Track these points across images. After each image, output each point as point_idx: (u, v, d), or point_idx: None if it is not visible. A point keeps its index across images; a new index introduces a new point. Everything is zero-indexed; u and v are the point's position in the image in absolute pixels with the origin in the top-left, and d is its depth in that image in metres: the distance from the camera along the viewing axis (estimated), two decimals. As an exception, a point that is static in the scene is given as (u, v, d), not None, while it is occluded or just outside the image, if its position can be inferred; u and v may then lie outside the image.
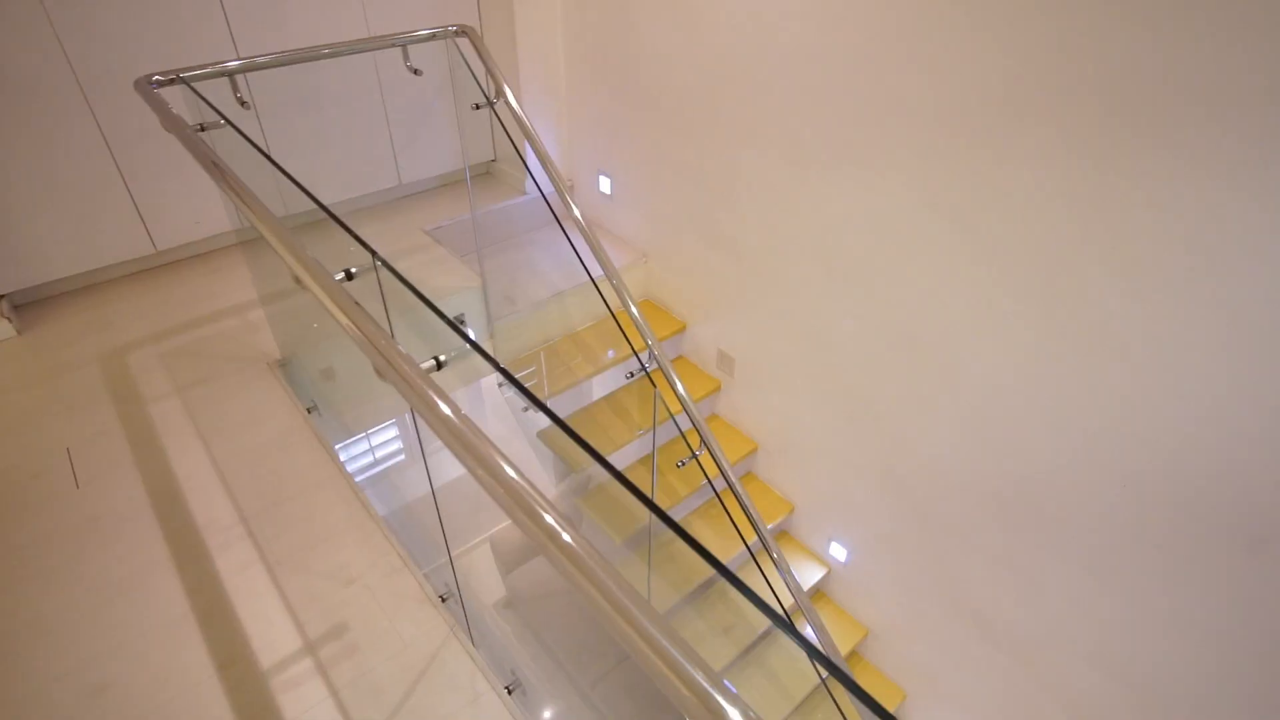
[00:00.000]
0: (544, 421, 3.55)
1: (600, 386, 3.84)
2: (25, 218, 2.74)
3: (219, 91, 2.19)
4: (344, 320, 1.11)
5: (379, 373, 1.08)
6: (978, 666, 2.92)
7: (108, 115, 2.76)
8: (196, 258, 3.32)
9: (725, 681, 0.67)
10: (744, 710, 0.65)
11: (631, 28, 3.11)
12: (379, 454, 4.11)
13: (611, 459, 3.36)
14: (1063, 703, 2.65)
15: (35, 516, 2.11)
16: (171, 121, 1.76)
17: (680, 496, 3.45)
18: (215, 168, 1.55)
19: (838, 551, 3.41)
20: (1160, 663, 2.27)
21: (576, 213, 2.63)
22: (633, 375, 3.48)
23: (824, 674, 3.26)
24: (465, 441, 0.91)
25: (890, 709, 3.10)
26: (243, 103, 2.35)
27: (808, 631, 2.89)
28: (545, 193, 3.21)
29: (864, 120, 2.35)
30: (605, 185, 3.78)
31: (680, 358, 3.84)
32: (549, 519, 0.81)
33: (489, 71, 2.55)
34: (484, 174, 4.17)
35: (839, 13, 2.28)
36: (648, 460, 3.61)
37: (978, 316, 2.29)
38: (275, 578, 2.00)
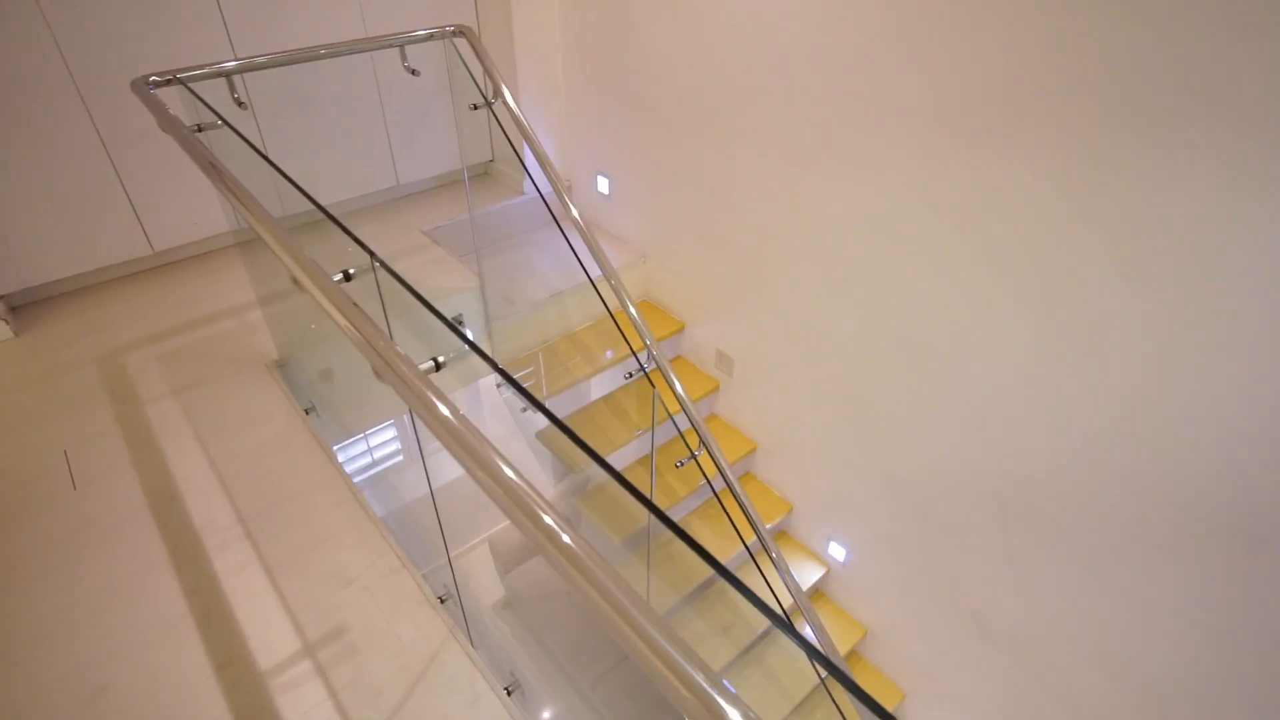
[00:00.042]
0: (542, 422, 3.55)
1: (599, 387, 3.84)
2: (22, 219, 2.74)
3: (216, 92, 2.19)
4: (342, 321, 1.11)
5: (377, 374, 1.08)
6: (977, 666, 2.92)
7: (104, 116, 2.76)
8: (194, 259, 3.32)
9: (724, 682, 0.67)
10: (743, 710, 0.65)
11: (630, 28, 3.11)
12: (377, 455, 4.10)
13: (610, 459, 3.36)
14: (1062, 703, 2.65)
15: (33, 518, 2.10)
16: (168, 122, 1.76)
17: (679, 497, 3.45)
18: (212, 168, 1.55)
19: (836, 551, 3.41)
20: (1160, 663, 2.27)
21: (575, 213, 2.63)
22: (631, 375, 3.48)
23: (823, 674, 3.26)
24: (464, 443, 0.90)
25: (889, 709, 3.10)
26: (240, 103, 2.35)
27: (807, 631, 2.89)
28: (543, 193, 3.21)
29: (864, 120, 2.35)
30: (603, 185, 3.78)
31: (679, 358, 3.84)
32: (548, 520, 0.81)
33: (487, 72, 2.54)
34: (482, 174, 4.17)
35: (839, 13, 2.28)
36: (646, 460, 3.61)
37: (977, 316, 2.29)
38: (274, 579, 1.99)
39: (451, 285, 3.22)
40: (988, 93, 2.00)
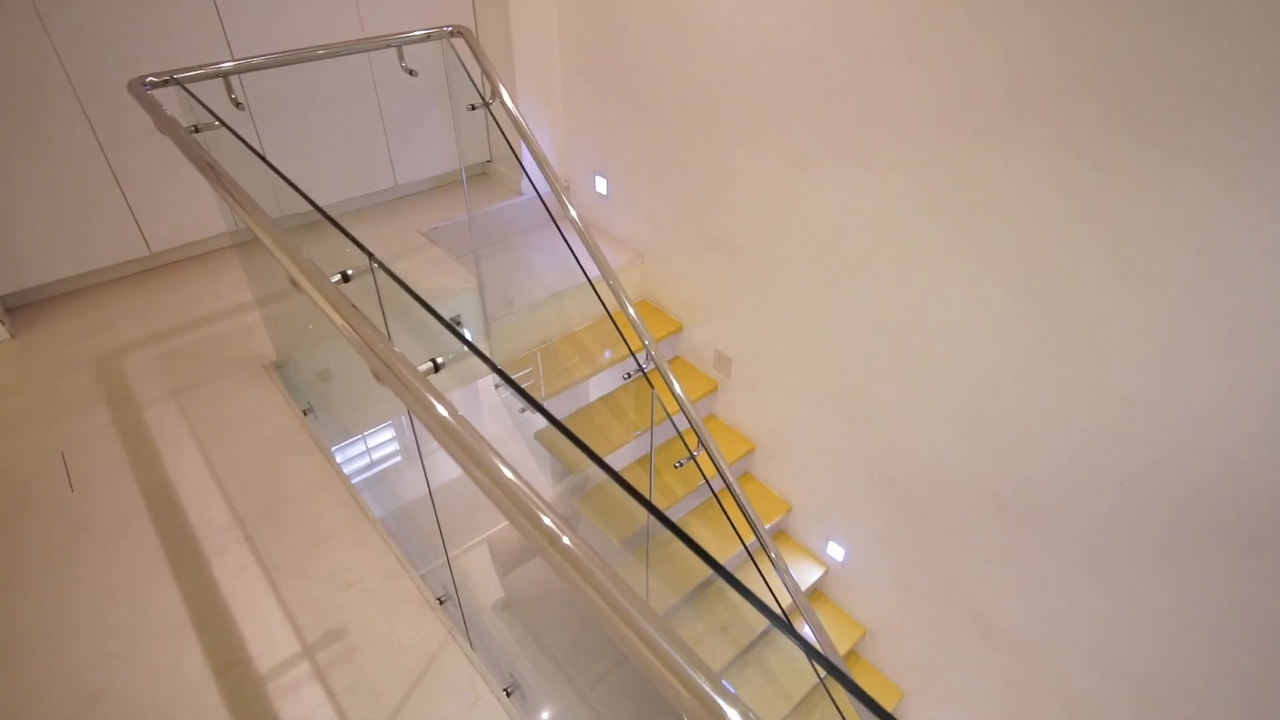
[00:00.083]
0: (541, 422, 3.55)
1: (597, 387, 3.84)
2: (19, 220, 2.73)
3: (213, 93, 2.19)
4: (341, 323, 1.11)
5: (376, 376, 1.07)
6: (977, 666, 2.92)
7: (101, 117, 2.75)
8: (191, 260, 3.31)
9: (724, 682, 0.67)
10: (743, 711, 0.65)
11: (629, 28, 3.10)
12: (376, 456, 4.10)
13: (609, 460, 3.35)
14: (1063, 703, 2.65)
15: (30, 520, 2.09)
16: (165, 123, 1.75)
17: (678, 497, 3.44)
18: (210, 169, 1.54)
19: (835, 551, 3.41)
20: (1160, 663, 2.27)
21: (573, 213, 2.63)
22: (630, 376, 3.48)
23: (822, 673, 3.26)
24: (463, 444, 0.90)
25: (889, 708, 3.10)
26: (237, 104, 2.35)
27: (805, 631, 2.89)
28: (541, 193, 3.21)
29: (864, 120, 2.35)
30: (601, 186, 3.77)
31: (677, 358, 3.84)
32: (548, 521, 0.81)
33: (484, 72, 2.54)
34: (480, 175, 4.17)
35: (838, 13, 2.28)
36: (645, 461, 3.61)
37: (977, 316, 2.29)
38: (273, 581, 1.99)
39: (450, 286, 3.21)
40: (988, 93, 2.00)
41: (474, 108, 2.71)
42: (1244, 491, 1.88)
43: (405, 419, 3.65)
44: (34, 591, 1.92)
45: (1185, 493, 1.99)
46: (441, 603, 2.00)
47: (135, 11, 2.69)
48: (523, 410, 3.66)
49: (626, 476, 1.14)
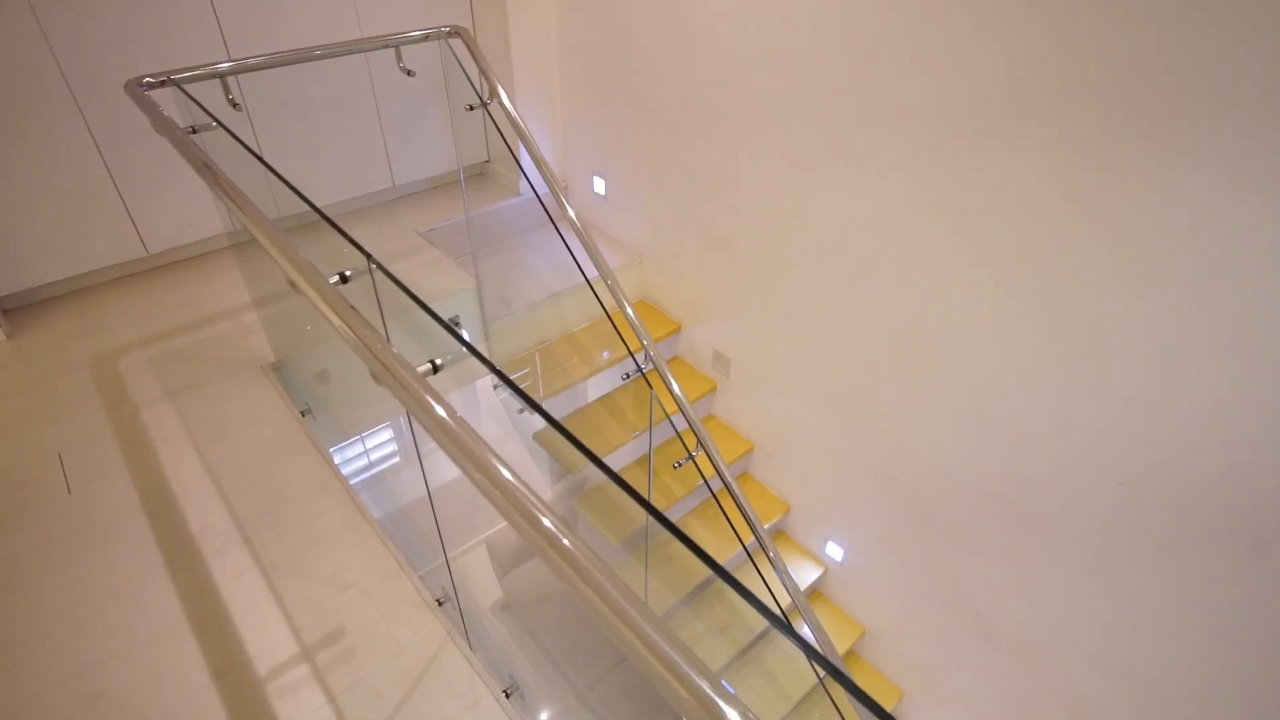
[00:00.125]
0: (540, 423, 3.54)
1: (596, 388, 3.83)
2: (15, 221, 2.72)
3: (211, 94, 2.18)
4: (340, 324, 1.11)
5: (375, 377, 1.07)
6: (979, 667, 2.92)
7: (98, 118, 2.74)
8: (189, 260, 3.31)
9: (723, 682, 0.67)
10: (742, 711, 0.65)
11: (628, 28, 3.10)
12: (374, 457, 4.09)
13: (608, 460, 3.35)
14: (1065, 704, 2.65)
15: (27, 523, 2.09)
16: (162, 124, 1.75)
17: (677, 497, 3.44)
18: (207, 170, 1.54)
19: (834, 551, 3.41)
20: (1163, 664, 2.27)
21: (571, 214, 2.63)
22: (628, 377, 3.48)
23: (821, 674, 3.26)
24: (463, 446, 0.90)
25: (888, 708, 3.10)
26: (235, 105, 2.34)
27: (805, 631, 2.88)
28: (540, 194, 3.21)
29: (866, 121, 2.35)
30: (600, 186, 3.77)
31: (675, 359, 3.84)
32: (547, 522, 0.80)
33: (482, 72, 2.54)
34: (478, 175, 4.16)
35: (841, 14, 2.27)
36: (644, 461, 3.61)
37: (980, 317, 2.29)
38: (271, 583, 1.98)
39: (448, 286, 3.21)
40: (990, 94, 2.00)
41: (472, 108, 2.71)
42: (1247, 493, 1.87)
43: (404, 420, 3.64)
44: (34, 591, 1.92)
45: (1188, 494, 1.99)
46: (440, 604, 1.99)
47: (132, 12, 2.69)
48: (521, 411, 3.66)
49: (625, 477, 1.13)
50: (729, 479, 2.70)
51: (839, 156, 2.48)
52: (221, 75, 2.24)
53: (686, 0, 2.77)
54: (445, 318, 1.36)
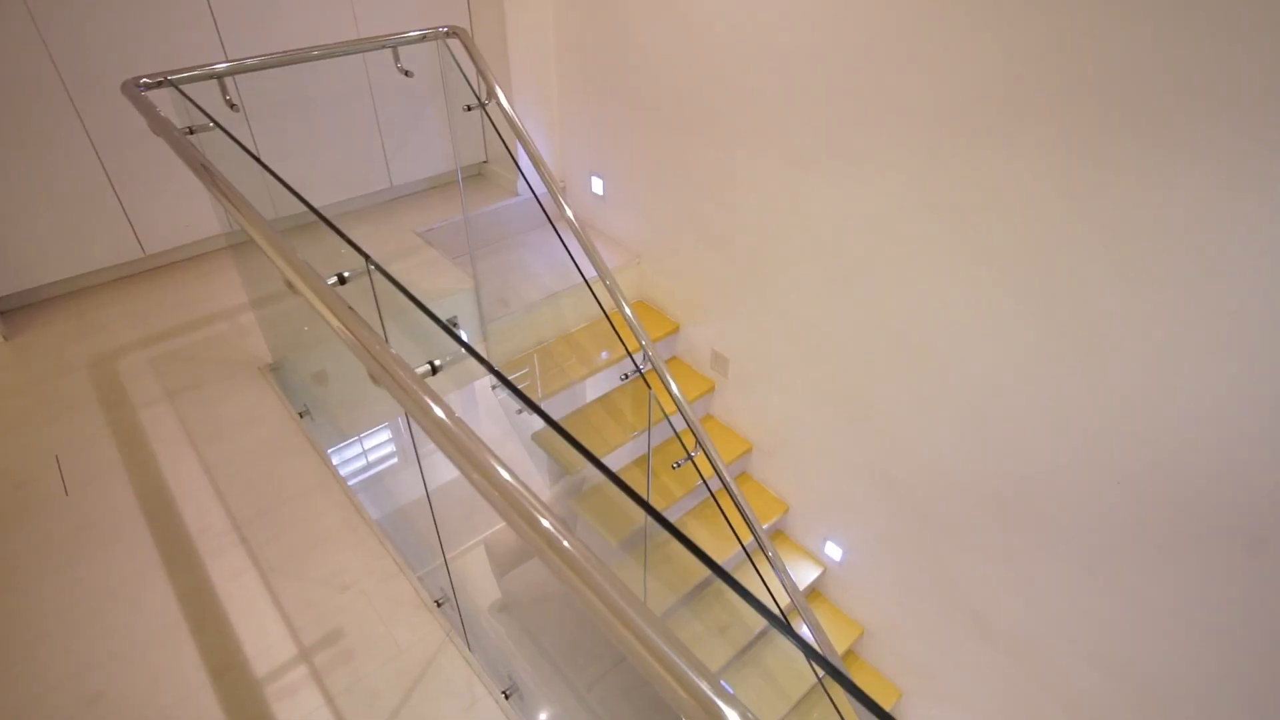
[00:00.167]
0: (538, 424, 3.54)
1: (594, 388, 3.83)
2: (12, 223, 2.72)
3: (208, 95, 2.18)
4: (338, 325, 1.10)
5: (373, 379, 1.07)
6: (977, 666, 2.92)
7: (95, 119, 2.74)
8: (186, 261, 3.30)
9: (722, 682, 0.67)
10: (741, 711, 0.65)
11: (626, 27, 3.10)
12: (372, 458, 4.09)
13: (606, 461, 3.35)
14: (1062, 703, 2.65)
15: (24, 524, 2.08)
16: (159, 124, 1.75)
17: (676, 497, 3.44)
18: (204, 171, 1.54)
19: (833, 551, 3.41)
20: (1160, 662, 2.27)
21: (569, 213, 2.62)
22: (627, 377, 3.48)
23: (820, 673, 3.26)
24: (462, 447, 0.90)
25: (887, 707, 3.10)
26: (232, 105, 2.34)
27: (804, 631, 2.88)
28: (538, 194, 3.21)
29: (864, 120, 2.35)
30: (598, 186, 3.77)
31: (674, 359, 3.84)
32: (545, 523, 0.80)
33: (480, 72, 2.54)
34: (476, 175, 4.16)
35: (839, 13, 2.27)
36: (643, 461, 3.61)
37: (977, 316, 2.29)
38: (269, 584, 1.98)
39: (446, 287, 3.21)
40: (988, 93, 2.00)
41: (470, 108, 2.70)
42: (1244, 491, 1.87)
43: (402, 421, 3.64)
44: (33, 592, 1.92)
45: (1185, 493, 1.99)
46: (439, 604, 1.99)
47: (129, 13, 2.68)
48: (520, 411, 3.66)
49: (624, 477, 1.13)
50: (727, 479, 2.70)
51: (837, 155, 2.48)
52: (218, 76, 2.24)
53: None
54: (443, 318, 1.36)
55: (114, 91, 2.57)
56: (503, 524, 0.99)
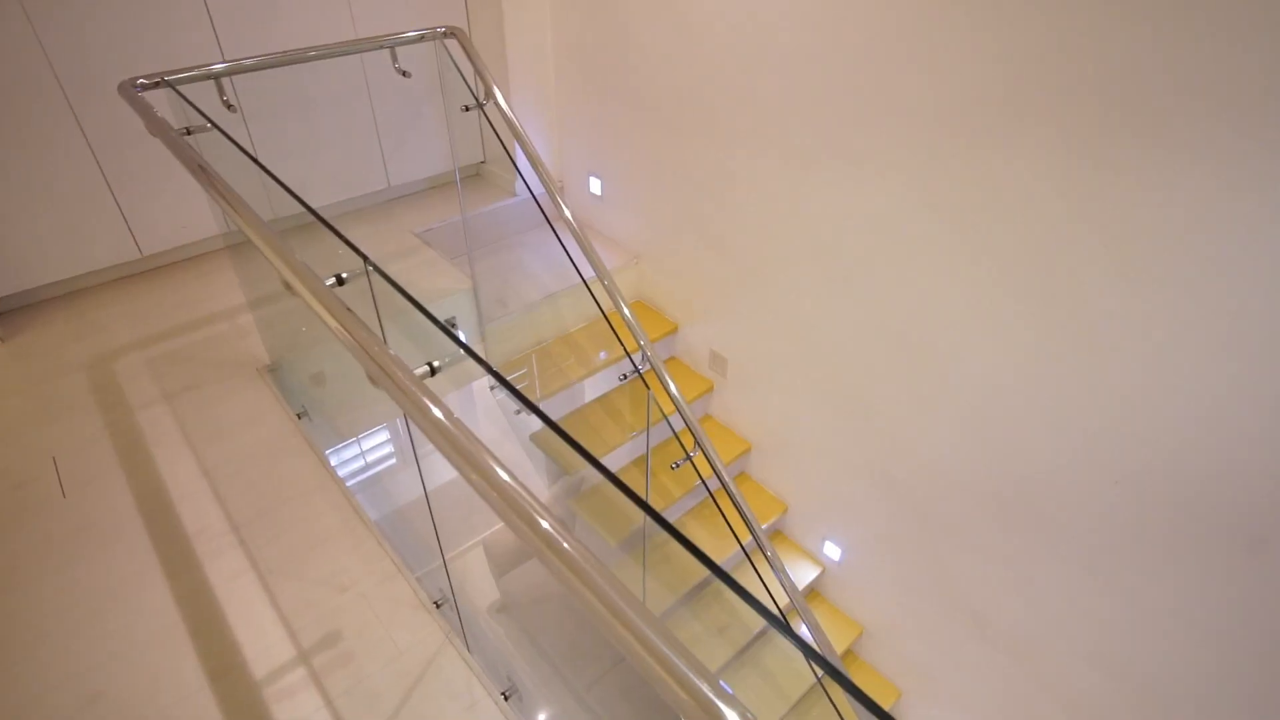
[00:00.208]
0: (537, 424, 3.54)
1: (593, 388, 3.83)
2: (10, 223, 2.71)
3: (206, 95, 2.18)
4: (336, 326, 1.10)
5: (372, 380, 1.07)
6: (976, 666, 2.92)
7: (93, 120, 2.73)
8: (184, 262, 3.30)
9: (721, 682, 0.67)
10: (740, 711, 0.65)
11: (625, 26, 3.09)
12: (370, 458, 4.09)
13: (605, 461, 3.35)
14: (1062, 702, 2.65)
15: (22, 526, 2.08)
16: (156, 125, 1.74)
17: (674, 497, 3.44)
18: (202, 171, 1.53)
19: (832, 551, 3.41)
20: (1160, 663, 2.27)
21: (567, 214, 2.62)
22: (625, 377, 3.48)
23: (820, 673, 3.26)
24: (460, 448, 0.90)
25: (886, 707, 3.10)
26: (229, 106, 2.34)
27: (803, 631, 2.88)
28: (536, 194, 3.20)
29: (863, 120, 2.35)
30: (596, 186, 3.77)
31: (672, 359, 3.84)
32: (544, 524, 0.80)
33: (478, 73, 2.53)
34: (474, 176, 4.16)
35: (838, 13, 2.27)
36: (641, 462, 3.61)
37: (977, 316, 2.29)
38: (267, 585, 1.98)
39: (444, 287, 3.20)
40: (988, 92, 2.00)
41: (468, 109, 2.70)
42: (1244, 491, 1.87)
43: (400, 421, 3.63)
44: (33, 593, 1.91)
45: (1185, 493, 1.99)
46: (438, 605, 1.99)
47: (126, 14, 2.68)
48: (518, 412, 3.66)
49: (623, 477, 1.13)
50: (726, 479, 2.70)
51: (836, 155, 2.48)
52: (216, 76, 2.23)
53: (683, -1, 2.77)
54: (442, 319, 1.36)
55: (111, 92, 2.57)
56: (501, 525, 0.99)
